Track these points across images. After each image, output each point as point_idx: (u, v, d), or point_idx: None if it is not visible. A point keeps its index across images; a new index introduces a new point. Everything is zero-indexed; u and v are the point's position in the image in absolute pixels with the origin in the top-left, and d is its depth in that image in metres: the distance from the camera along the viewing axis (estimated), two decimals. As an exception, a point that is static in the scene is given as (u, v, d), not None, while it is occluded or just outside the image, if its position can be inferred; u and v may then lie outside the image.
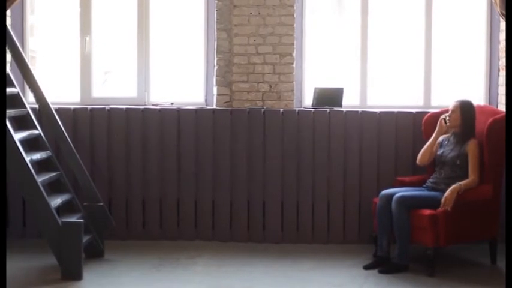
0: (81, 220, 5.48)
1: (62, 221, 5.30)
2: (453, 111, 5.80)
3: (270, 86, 6.49)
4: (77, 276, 5.29)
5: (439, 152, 5.85)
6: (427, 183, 5.88)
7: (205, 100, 6.72)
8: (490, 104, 6.61)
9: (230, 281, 5.41)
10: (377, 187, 6.30)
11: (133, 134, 6.45)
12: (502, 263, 5.62)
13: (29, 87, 6.09)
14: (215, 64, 6.56)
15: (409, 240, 5.59)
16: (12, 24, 6.48)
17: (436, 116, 6.15)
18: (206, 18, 6.68)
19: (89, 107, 6.49)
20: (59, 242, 5.26)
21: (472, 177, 5.61)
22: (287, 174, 6.43)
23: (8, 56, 6.22)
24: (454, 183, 5.54)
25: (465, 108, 5.77)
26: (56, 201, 5.56)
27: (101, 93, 6.77)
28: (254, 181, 6.43)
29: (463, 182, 5.54)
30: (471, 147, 5.67)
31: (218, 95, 6.54)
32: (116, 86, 7.06)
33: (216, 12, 6.51)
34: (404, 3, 6.85)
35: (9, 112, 5.60)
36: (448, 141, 5.85)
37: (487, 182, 5.67)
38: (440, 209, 5.47)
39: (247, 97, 6.49)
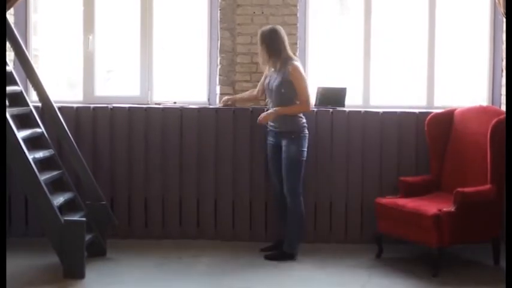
0: (84, 219, 5.48)
1: (65, 220, 5.31)
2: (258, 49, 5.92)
3: (273, 86, 6.48)
4: (79, 275, 5.30)
5: (266, 82, 5.97)
6: (268, 127, 6.00)
7: (208, 99, 6.72)
8: (493, 104, 6.60)
9: (232, 280, 5.41)
10: (380, 187, 6.31)
11: (136, 133, 6.44)
12: (505, 264, 5.60)
13: (32, 86, 6.09)
14: (218, 63, 6.56)
15: (299, 228, 5.93)
16: (15, 23, 6.47)
17: (439, 117, 6.15)
18: (209, 17, 6.67)
19: (91, 105, 6.48)
20: (61, 241, 5.26)
21: (300, 102, 5.79)
22: (290, 173, 6.42)
23: (11, 55, 6.22)
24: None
25: (263, 38, 5.84)
26: (58, 200, 5.55)
27: (104, 92, 6.77)
28: (257, 180, 6.42)
29: (288, 107, 5.79)
30: (292, 73, 5.77)
31: (221, 94, 6.54)
32: (118, 85, 7.06)
33: (219, 11, 6.51)
34: (407, 3, 6.84)
35: (12, 110, 5.61)
36: (273, 72, 5.92)
37: (491, 182, 5.66)
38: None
39: (250, 96, 6.49)
